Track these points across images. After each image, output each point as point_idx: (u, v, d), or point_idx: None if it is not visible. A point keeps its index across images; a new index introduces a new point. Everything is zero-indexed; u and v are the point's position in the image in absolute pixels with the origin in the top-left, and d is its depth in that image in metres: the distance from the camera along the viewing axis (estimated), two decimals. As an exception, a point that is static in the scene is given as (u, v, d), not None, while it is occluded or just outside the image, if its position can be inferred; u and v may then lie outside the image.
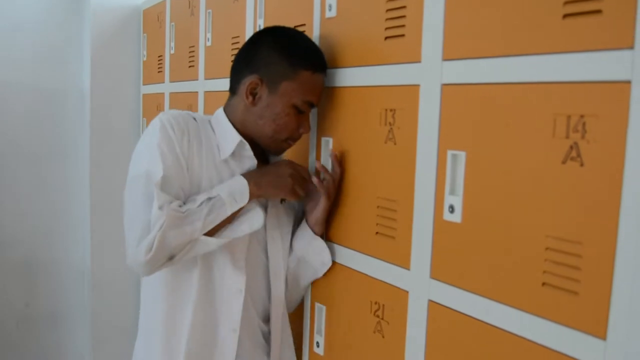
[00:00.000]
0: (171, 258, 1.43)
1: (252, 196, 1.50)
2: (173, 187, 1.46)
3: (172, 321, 1.55)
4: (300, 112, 1.55)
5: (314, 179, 1.59)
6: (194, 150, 1.52)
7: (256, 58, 1.56)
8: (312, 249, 1.67)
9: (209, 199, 1.45)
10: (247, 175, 1.53)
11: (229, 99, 1.64)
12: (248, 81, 1.54)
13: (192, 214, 1.42)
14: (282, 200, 1.64)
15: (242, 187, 1.49)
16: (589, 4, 0.99)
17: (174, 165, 1.47)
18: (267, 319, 1.69)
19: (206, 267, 1.55)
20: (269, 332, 1.69)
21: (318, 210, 1.63)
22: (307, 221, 1.67)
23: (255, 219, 1.52)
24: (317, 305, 1.73)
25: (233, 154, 1.57)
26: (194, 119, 1.57)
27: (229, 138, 1.57)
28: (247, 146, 1.58)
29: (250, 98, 1.55)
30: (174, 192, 1.46)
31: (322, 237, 1.67)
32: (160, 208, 1.39)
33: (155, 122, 1.51)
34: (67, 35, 3.44)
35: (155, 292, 1.59)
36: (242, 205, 1.48)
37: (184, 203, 1.46)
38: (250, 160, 1.59)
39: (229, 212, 1.46)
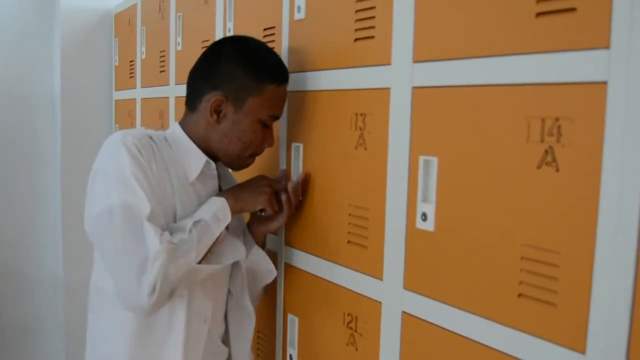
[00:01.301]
0: (171, 292, 1.35)
1: (233, 211, 1.45)
2: (159, 219, 1.35)
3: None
4: (265, 127, 1.50)
5: (284, 196, 1.54)
6: (160, 172, 1.41)
7: (219, 73, 1.47)
8: (257, 258, 1.62)
9: (195, 223, 1.37)
10: (223, 193, 1.49)
11: (187, 115, 1.54)
12: (212, 98, 1.45)
13: (185, 244, 1.34)
14: (260, 212, 1.59)
15: (221, 205, 1.44)
16: (562, 2, 0.95)
17: (153, 194, 1.36)
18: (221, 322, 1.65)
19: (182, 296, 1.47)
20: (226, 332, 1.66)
21: (273, 226, 1.60)
22: (256, 229, 1.62)
23: (237, 248, 1.51)
24: (290, 316, 1.68)
25: (199, 175, 1.50)
26: (151, 137, 1.45)
27: (194, 158, 1.49)
28: (213, 165, 1.52)
29: (215, 116, 1.46)
30: (160, 224, 1.35)
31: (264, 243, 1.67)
32: (161, 243, 1.29)
33: (116, 143, 1.38)
34: (37, 39, 3.37)
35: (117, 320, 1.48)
36: (226, 223, 1.43)
37: (170, 233, 1.36)
38: (213, 180, 1.54)
39: (216, 234, 1.41)
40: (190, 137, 1.50)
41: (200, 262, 1.39)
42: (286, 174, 1.64)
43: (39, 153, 3.41)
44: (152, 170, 1.38)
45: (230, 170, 1.67)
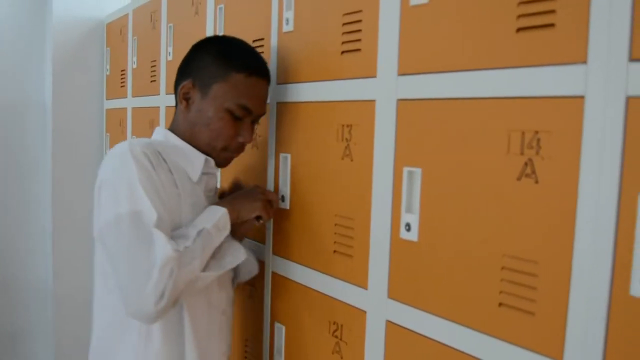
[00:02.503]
0: (177, 299, 1.34)
1: (231, 220, 1.47)
2: (166, 226, 1.35)
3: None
4: (236, 118, 1.50)
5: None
6: (168, 180, 1.42)
7: (191, 63, 1.54)
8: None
9: (199, 232, 1.38)
10: (220, 203, 1.50)
11: (174, 116, 1.59)
12: (181, 85, 1.52)
13: (191, 252, 1.34)
14: (258, 219, 1.59)
15: (223, 215, 1.45)
16: (542, 18, 0.97)
17: (159, 201, 1.36)
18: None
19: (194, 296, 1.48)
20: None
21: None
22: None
23: (236, 251, 1.50)
24: (277, 324, 1.69)
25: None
26: (154, 145, 1.48)
27: (193, 158, 1.52)
28: (212, 162, 1.54)
29: (184, 102, 1.51)
30: (167, 232, 1.35)
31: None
32: (174, 251, 1.29)
33: (124, 152, 1.38)
34: (29, 48, 3.39)
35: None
36: (226, 233, 1.45)
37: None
38: (213, 177, 1.57)
39: (216, 244, 1.42)
40: (182, 137, 1.53)
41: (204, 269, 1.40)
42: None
43: (30, 161, 3.42)
44: (160, 177, 1.40)
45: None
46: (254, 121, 1.55)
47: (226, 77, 1.48)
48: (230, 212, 1.47)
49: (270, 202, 1.59)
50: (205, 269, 1.39)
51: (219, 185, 1.82)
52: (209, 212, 1.45)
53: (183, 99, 1.52)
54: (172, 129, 1.56)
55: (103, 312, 1.50)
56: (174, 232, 1.39)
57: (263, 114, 1.57)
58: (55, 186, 3.30)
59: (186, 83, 1.51)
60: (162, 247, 1.28)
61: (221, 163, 1.58)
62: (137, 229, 1.31)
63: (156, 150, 1.44)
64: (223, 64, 1.48)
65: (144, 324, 1.40)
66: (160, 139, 1.55)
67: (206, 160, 1.52)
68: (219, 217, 1.44)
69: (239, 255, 1.50)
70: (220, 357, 1.56)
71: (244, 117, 1.51)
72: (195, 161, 1.52)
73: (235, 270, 1.65)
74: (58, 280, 3.31)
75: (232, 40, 1.58)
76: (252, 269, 1.70)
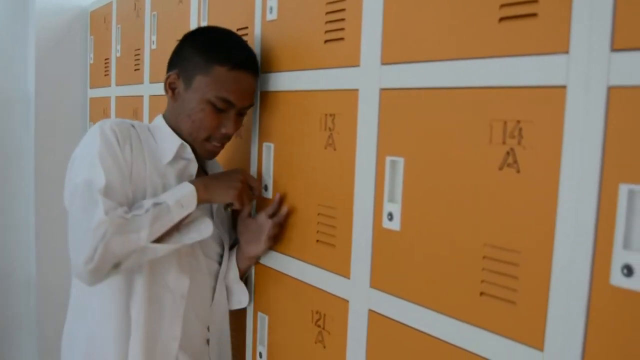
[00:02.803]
0: (117, 266, 1.36)
1: (200, 200, 1.46)
2: (117, 194, 1.39)
3: (122, 324, 1.49)
4: (219, 110, 1.50)
5: (277, 196, 1.58)
6: (136, 156, 1.47)
7: (178, 54, 1.56)
8: (237, 286, 1.69)
9: (155, 204, 1.39)
10: (196, 180, 1.49)
11: (167, 105, 1.61)
12: (167, 76, 1.55)
13: (138, 221, 1.36)
14: (227, 207, 1.58)
15: (189, 192, 1.44)
16: (524, 7, 0.97)
17: (117, 172, 1.41)
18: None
19: (152, 271, 1.49)
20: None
21: (259, 248, 1.61)
22: (241, 253, 1.66)
23: (203, 227, 1.48)
24: (260, 314, 1.69)
25: (175, 158, 1.54)
26: (133, 126, 1.53)
27: (169, 141, 1.54)
28: (189, 149, 1.55)
29: (170, 92, 1.55)
30: (118, 199, 1.39)
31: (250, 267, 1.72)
32: (106, 214, 1.32)
33: (95, 129, 1.45)
34: (12, 36, 3.33)
35: (104, 295, 1.50)
36: (189, 211, 1.43)
37: (129, 210, 1.40)
38: (192, 164, 1.56)
39: (176, 219, 1.41)
40: (169, 124, 1.57)
41: (161, 241, 1.40)
42: (281, 200, 1.61)
43: (13, 150, 3.37)
44: (125, 151, 1.44)
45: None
46: (241, 113, 1.56)
47: (208, 70, 1.49)
48: (201, 192, 1.46)
49: (252, 188, 1.58)
50: (163, 241, 1.40)
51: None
52: (177, 188, 1.46)
53: (169, 88, 1.55)
54: (164, 116, 1.60)
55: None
56: (136, 203, 1.42)
57: (250, 106, 1.57)
58: (39, 176, 3.26)
59: (172, 74, 1.54)
60: (99, 211, 1.33)
61: (206, 155, 1.59)
62: (85, 195, 1.36)
63: (130, 126, 1.51)
64: (206, 57, 1.49)
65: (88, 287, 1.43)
66: (152, 123, 1.61)
67: (182, 145, 1.53)
68: (184, 193, 1.43)
69: (204, 232, 1.47)
70: (169, 340, 1.53)
71: (226, 109, 1.51)
72: (170, 143, 1.54)
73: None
74: (41, 271, 3.28)
75: (220, 33, 1.57)
76: (242, 299, 1.70)
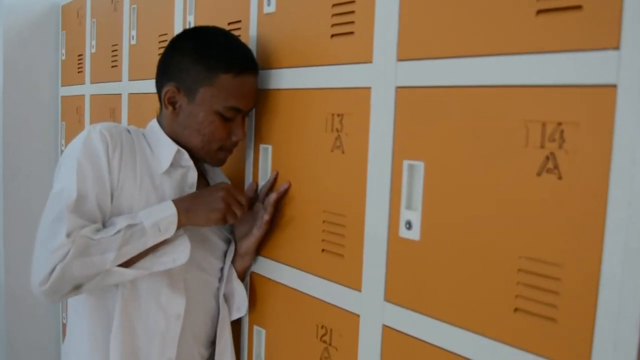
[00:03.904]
0: (77, 288, 1.29)
1: (182, 225, 1.36)
2: (88, 209, 1.31)
3: (98, 347, 1.41)
4: (227, 120, 1.43)
5: (268, 212, 1.48)
6: (126, 165, 1.37)
7: (171, 65, 1.45)
8: (237, 286, 1.57)
9: (130, 226, 1.30)
10: (178, 201, 1.38)
11: (160, 110, 1.51)
12: (165, 90, 1.44)
13: (105, 243, 1.27)
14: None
15: (170, 216, 1.34)
16: (567, 0, 0.89)
17: (94, 183, 1.32)
18: (208, 343, 1.56)
19: (136, 292, 1.39)
20: (212, 357, 1.56)
21: (250, 240, 1.52)
22: (237, 250, 1.56)
23: (180, 251, 1.37)
24: (256, 328, 1.60)
25: (172, 166, 1.44)
26: (128, 131, 1.44)
27: (166, 148, 1.45)
28: (186, 155, 1.46)
29: (170, 108, 1.45)
30: (90, 214, 1.31)
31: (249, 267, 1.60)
32: (68, 235, 1.25)
33: (83, 133, 1.38)
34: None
35: (79, 313, 1.45)
36: (166, 237, 1.34)
37: (104, 225, 1.32)
38: (191, 172, 1.47)
39: (149, 244, 1.32)
40: (165, 131, 1.48)
41: (131, 263, 1.32)
42: (255, 187, 1.56)
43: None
44: (113, 159, 1.36)
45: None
46: (245, 116, 1.48)
47: (212, 80, 1.40)
48: (182, 215, 1.35)
49: (239, 203, 1.43)
50: (134, 262, 1.33)
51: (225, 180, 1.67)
52: (159, 207, 1.36)
53: (169, 103, 1.44)
54: (160, 122, 1.51)
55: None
56: (113, 218, 1.35)
57: (254, 107, 1.51)
58: (6, 178, 3.15)
59: (170, 88, 1.43)
60: (62, 232, 1.26)
61: (217, 163, 1.51)
62: (55, 209, 1.31)
63: (125, 131, 1.43)
64: (207, 66, 1.40)
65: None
66: (146, 129, 1.52)
67: (178, 151, 1.44)
68: (164, 216, 1.33)
69: (179, 258, 1.36)
70: None
71: (234, 116, 1.44)
72: (167, 151, 1.45)
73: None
74: (10, 278, 3.16)
75: (211, 35, 1.47)
76: (241, 305, 1.58)
